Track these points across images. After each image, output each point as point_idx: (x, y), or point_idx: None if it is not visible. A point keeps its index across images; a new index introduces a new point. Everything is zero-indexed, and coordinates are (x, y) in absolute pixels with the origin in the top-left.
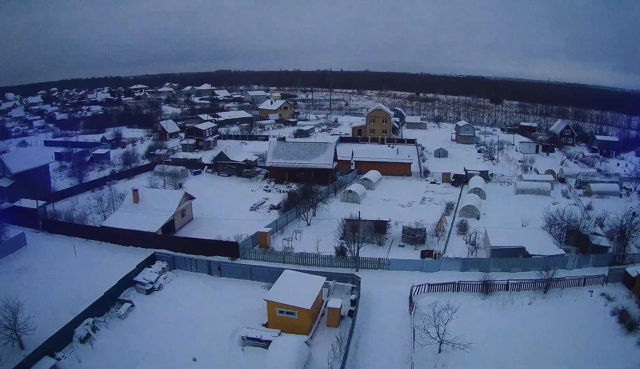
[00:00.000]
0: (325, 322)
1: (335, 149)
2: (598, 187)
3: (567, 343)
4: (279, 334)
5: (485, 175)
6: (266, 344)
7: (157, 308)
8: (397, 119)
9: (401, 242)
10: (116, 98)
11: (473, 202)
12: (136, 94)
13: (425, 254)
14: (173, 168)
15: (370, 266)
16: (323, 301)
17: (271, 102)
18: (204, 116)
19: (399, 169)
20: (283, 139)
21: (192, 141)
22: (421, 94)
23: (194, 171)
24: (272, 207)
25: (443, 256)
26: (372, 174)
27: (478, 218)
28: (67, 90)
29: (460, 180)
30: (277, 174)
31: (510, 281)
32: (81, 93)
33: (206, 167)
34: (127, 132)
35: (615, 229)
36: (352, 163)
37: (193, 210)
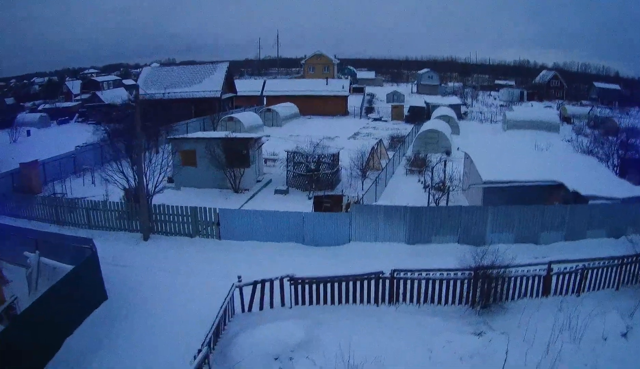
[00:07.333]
0: None
1: (229, 73)
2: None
3: None
4: None
5: (458, 109)
6: None
7: None
8: (349, 78)
9: (282, 186)
10: (59, 81)
11: (439, 128)
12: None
13: (324, 203)
14: (32, 117)
15: (179, 230)
16: None
17: None
18: (128, 81)
19: (329, 106)
20: None
21: (86, 96)
22: (383, 69)
23: (60, 119)
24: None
25: (363, 204)
26: (282, 107)
27: (448, 154)
28: (26, 81)
29: (418, 114)
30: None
31: (540, 266)
32: (31, 81)
33: (77, 115)
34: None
35: None
36: (263, 99)
37: None
